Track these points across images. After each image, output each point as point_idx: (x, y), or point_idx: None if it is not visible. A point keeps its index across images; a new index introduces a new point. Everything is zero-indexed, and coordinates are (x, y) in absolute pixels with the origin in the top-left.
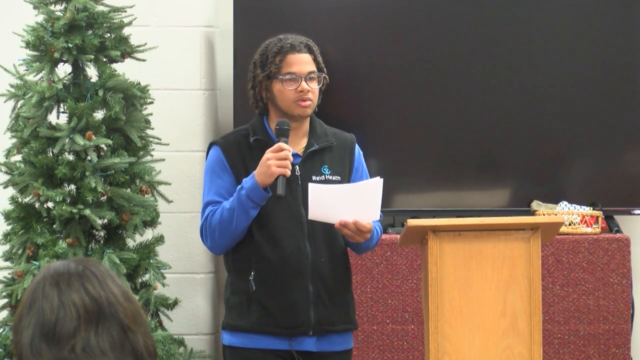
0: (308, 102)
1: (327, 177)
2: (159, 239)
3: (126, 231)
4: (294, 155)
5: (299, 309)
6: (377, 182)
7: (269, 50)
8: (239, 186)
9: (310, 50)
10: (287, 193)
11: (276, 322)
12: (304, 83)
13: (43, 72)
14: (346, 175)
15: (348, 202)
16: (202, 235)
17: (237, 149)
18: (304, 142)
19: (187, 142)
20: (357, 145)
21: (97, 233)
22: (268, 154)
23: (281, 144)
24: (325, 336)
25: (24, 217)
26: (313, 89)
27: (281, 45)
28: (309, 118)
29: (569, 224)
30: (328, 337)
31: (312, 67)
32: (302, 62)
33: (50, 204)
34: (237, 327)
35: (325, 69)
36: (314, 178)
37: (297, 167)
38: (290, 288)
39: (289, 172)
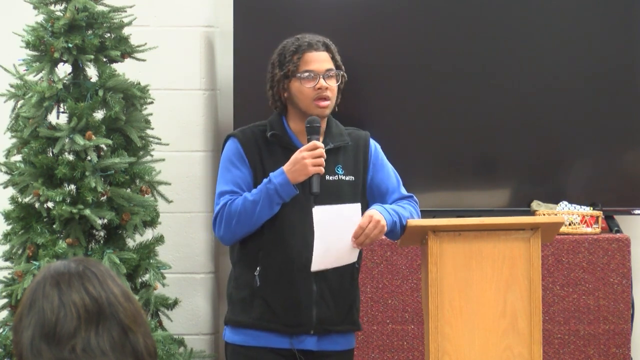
0: (326, 102)
1: (340, 176)
2: (159, 239)
3: (126, 231)
4: None
5: (302, 308)
6: (316, 211)
7: (287, 49)
8: (266, 179)
9: (327, 49)
10: (299, 191)
11: (278, 320)
12: (322, 80)
13: (43, 72)
14: (361, 173)
15: (334, 230)
16: (214, 223)
17: (254, 142)
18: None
19: (187, 142)
20: (371, 140)
21: (97, 233)
22: (303, 152)
23: (315, 142)
24: (326, 336)
25: (24, 217)
26: (331, 86)
27: (299, 44)
28: (326, 118)
29: (569, 224)
30: (329, 337)
31: (330, 65)
32: (320, 60)
33: (50, 204)
34: (239, 322)
35: (343, 67)
36: (327, 178)
37: None
38: (294, 286)
39: (323, 170)
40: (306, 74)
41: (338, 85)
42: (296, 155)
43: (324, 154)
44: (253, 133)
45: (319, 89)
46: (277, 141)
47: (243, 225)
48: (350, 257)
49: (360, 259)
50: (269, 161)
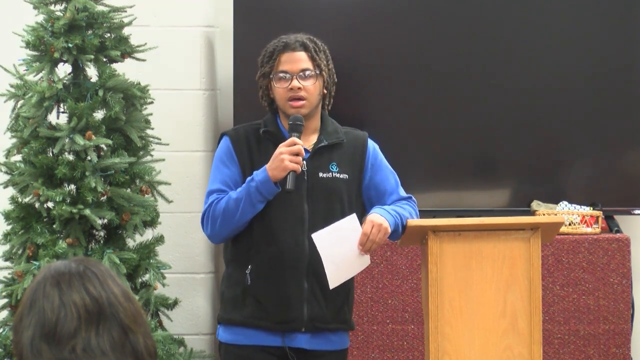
0: (301, 102)
1: (334, 174)
2: (159, 239)
3: (126, 231)
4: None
5: (292, 305)
6: (316, 237)
7: (267, 50)
8: (249, 178)
9: (306, 49)
10: (285, 188)
11: (269, 317)
12: (294, 81)
13: (43, 72)
14: (356, 172)
15: (338, 247)
16: (202, 222)
17: (245, 140)
18: (313, 138)
19: (187, 142)
20: (370, 141)
21: (97, 233)
22: (281, 148)
23: (294, 139)
24: (318, 334)
25: (24, 217)
26: (306, 86)
27: (276, 44)
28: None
29: (569, 224)
30: (322, 335)
31: (307, 65)
32: (294, 60)
33: (50, 204)
34: (231, 320)
35: (324, 67)
36: (320, 175)
37: (304, 162)
38: (285, 283)
39: (299, 168)
40: (280, 75)
41: (325, 85)
42: (276, 151)
43: (302, 151)
44: (246, 131)
45: (291, 89)
46: (270, 138)
47: (227, 223)
48: (363, 263)
49: None
50: (260, 159)
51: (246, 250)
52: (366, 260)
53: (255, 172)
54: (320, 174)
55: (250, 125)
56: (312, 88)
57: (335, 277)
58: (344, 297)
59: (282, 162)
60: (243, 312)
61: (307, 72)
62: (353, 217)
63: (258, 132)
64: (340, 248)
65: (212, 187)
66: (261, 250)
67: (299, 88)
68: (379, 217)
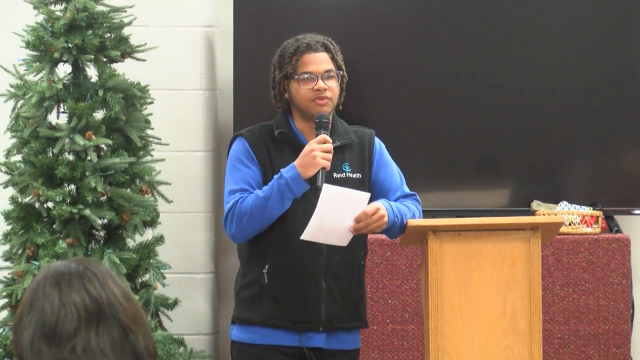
0: (325, 101)
1: (347, 174)
2: (159, 239)
3: (126, 231)
4: None
5: (310, 305)
6: (326, 188)
7: (286, 50)
8: (277, 175)
9: (327, 49)
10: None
11: (287, 317)
12: (320, 82)
13: (43, 72)
14: (367, 171)
15: (336, 210)
16: (225, 222)
17: (262, 141)
18: None
19: (187, 142)
20: (376, 139)
21: (97, 233)
22: (313, 144)
23: (325, 136)
24: (334, 334)
25: (24, 217)
26: (331, 87)
27: (297, 45)
28: (330, 116)
29: (569, 224)
30: (337, 335)
31: (330, 66)
32: (319, 61)
33: (50, 204)
34: (247, 320)
35: (344, 67)
36: (334, 175)
37: None
38: (303, 283)
39: (329, 165)
40: (304, 76)
41: (339, 84)
42: (306, 148)
43: (332, 149)
44: (260, 132)
45: (317, 90)
46: (285, 139)
47: (254, 222)
48: (342, 240)
49: (365, 256)
50: (277, 159)
51: (263, 250)
52: (344, 240)
53: (283, 170)
54: (335, 175)
55: (263, 126)
56: (335, 88)
57: (311, 233)
58: (359, 295)
59: (314, 159)
60: (260, 311)
61: (331, 73)
62: (366, 195)
63: (272, 134)
64: (336, 211)
65: (234, 186)
66: (279, 250)
67: (325, 89)
68: (384, 209)
